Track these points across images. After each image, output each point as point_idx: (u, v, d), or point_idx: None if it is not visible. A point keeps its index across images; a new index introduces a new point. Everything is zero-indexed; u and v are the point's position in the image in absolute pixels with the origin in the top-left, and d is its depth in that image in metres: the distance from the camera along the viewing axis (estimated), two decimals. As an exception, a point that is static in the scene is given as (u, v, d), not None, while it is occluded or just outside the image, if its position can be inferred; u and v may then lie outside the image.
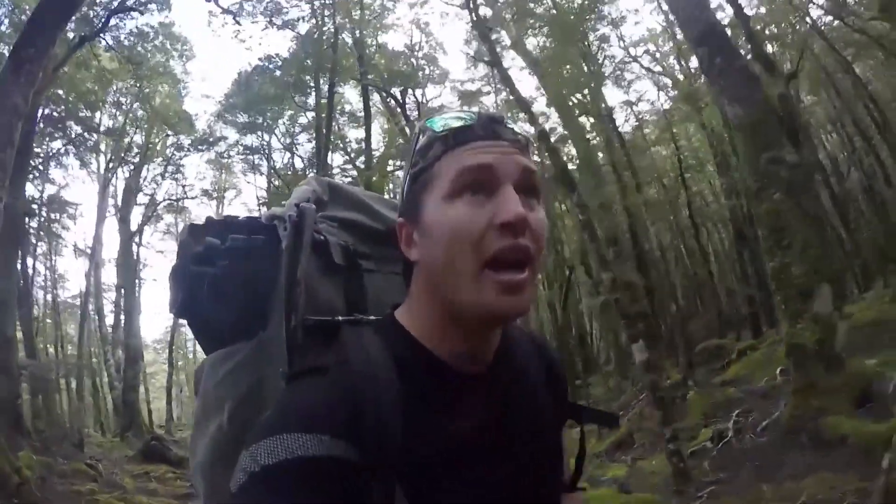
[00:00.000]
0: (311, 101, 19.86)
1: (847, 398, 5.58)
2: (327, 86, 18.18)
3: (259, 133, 21.78)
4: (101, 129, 19.90)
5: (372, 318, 0.85)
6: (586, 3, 16.95)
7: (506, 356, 0.81)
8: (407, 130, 19.21)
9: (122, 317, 21.73)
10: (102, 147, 21.36)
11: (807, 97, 20.01)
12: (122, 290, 22.21)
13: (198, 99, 29.88)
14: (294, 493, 0.58)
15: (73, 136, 18.26)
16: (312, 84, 19.07)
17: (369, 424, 0.64)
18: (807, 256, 5.88)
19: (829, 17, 17.14)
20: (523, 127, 0.78)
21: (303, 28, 18.52)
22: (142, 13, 14.80)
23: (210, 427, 0.84)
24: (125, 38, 16.57)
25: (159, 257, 32.09)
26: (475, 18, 13.22)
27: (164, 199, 23.69)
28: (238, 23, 15.09)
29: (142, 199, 23.19)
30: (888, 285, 14.68)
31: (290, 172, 21.80)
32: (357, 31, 18.55)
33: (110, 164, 21.83)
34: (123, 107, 20.76)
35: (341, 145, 21.80)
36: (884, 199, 18.45)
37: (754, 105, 6.60)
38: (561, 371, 0.95)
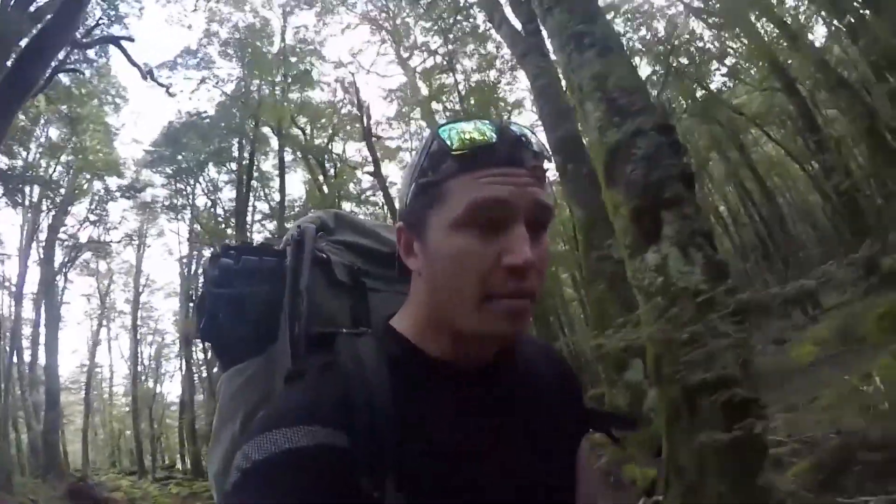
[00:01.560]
0: (234, 152, 21.02)
1: (649, 449, 7.03)
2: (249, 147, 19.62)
3: (184, 178, 22.84)
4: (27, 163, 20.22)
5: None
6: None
7: (508, 357, 0.82)
8: (325, 189, 20.62)
9: (43, 355, 21.81)
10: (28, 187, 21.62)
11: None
12: (43, 329, 22.26)
13: (127, 143, 30.00)
14: (284, 485, 0.60)
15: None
16: (236, 147, 20.35)
17: (358, 413, 0.66)
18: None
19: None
20: (542, 142, 0.75)
21: (230, 87, 19.85)
22: (83, 74, 15.43)
23: (224, 438, 0.89)
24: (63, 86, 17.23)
25: (80, 299, 31.84)
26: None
27: (88, 241, 23.85)
28: (171, 94, 15.99)
29: (64, 236, 23.33)
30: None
31: (212, 221, 22.70)
32: (280, 91, 19.94)
33: (36, 203, 22.07)
34: (53, 146, 21.11)
35: (263, 196, 23.03)
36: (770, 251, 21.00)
37: (593, 209, 8.00)
38: (576, 382, 0.97)
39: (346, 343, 0.78)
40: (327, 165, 22.63)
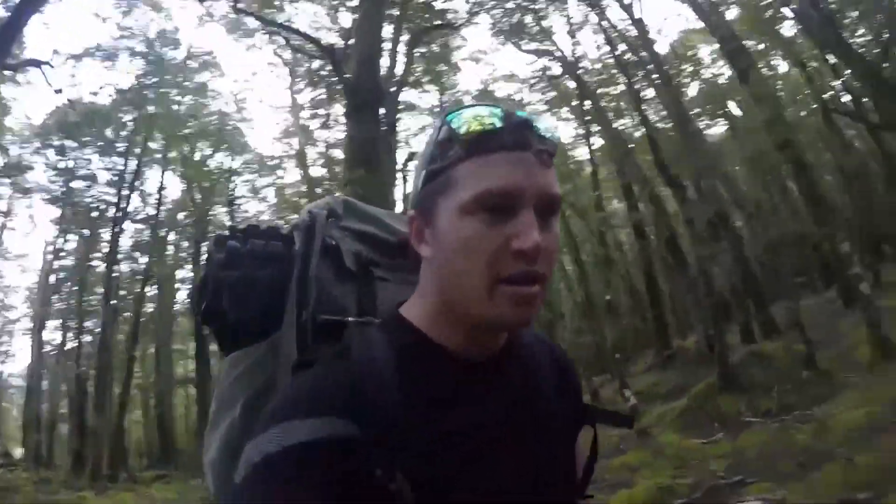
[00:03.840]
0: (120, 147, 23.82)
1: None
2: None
3: (65, 164, 24.50)
4: None
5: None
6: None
7: (513, 349, 0.86)
8: (198, 196, 22.50)
9: None
10: None
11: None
12: None
13: (17, 116, 29.30)
14: (296, 478, 0.63)
15: None
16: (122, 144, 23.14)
17: (368, 404, 0.70)
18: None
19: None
20: (550, 125, 0.78)
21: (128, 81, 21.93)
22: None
23: (223, 424, 0.93)
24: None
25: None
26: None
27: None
28: (73, 108, 17.50)
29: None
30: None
31: (83, 206, 24.78)
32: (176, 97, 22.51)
33: None
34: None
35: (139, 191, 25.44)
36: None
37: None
38: (575, 377, 1.00)
39: (356, 332, 0.84)
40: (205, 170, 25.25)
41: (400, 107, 18.34)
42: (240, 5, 13.91)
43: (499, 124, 0.73)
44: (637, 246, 19.29)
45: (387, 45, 14.75)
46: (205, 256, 1.00)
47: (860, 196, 17.19)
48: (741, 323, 13.98)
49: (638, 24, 17.29)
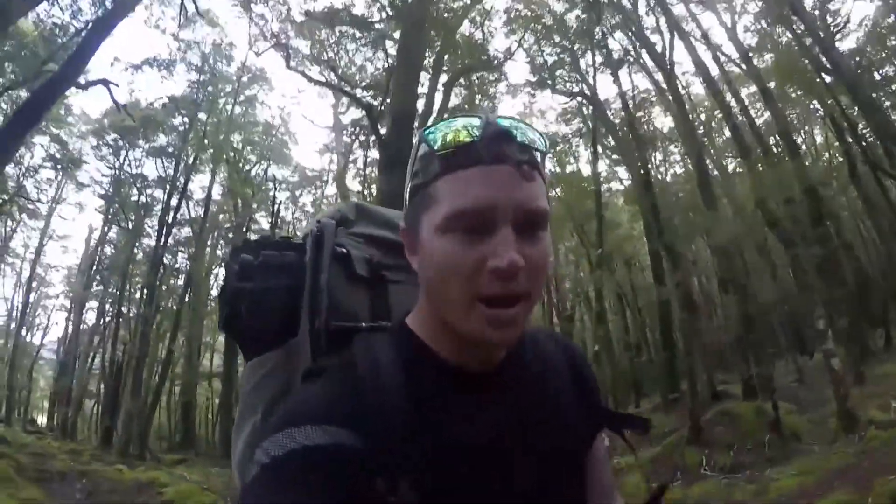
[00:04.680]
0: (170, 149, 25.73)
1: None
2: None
3: (118, 164, 26.78)
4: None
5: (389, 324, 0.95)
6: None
7: (521, 357, 0.87)
8: (239, 204, 25.22)
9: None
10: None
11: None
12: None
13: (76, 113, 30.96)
14: (301, 481, 0.65)
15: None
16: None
17: (372, 416, 0.71)
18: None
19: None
20: (536, 131, 0.77)
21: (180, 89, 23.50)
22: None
23: (246, 428, 0.97)
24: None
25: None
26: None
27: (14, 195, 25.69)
28: (131, 116, 19.07)
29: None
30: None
31: (129, 200, 26.84)
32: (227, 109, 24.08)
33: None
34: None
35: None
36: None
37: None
38: (591, 377, 1.01)
39: (363, 342, 0.83)
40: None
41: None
42: (291, 63, 15.42)
43: (475, 136, 0.74)
44: (655, 290, 20.01)
45: (425, 81, 15.73)
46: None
47: (887, 251, 17.70)
48: (744, 376, 14.45)
49: (668, 74, 18.17)
